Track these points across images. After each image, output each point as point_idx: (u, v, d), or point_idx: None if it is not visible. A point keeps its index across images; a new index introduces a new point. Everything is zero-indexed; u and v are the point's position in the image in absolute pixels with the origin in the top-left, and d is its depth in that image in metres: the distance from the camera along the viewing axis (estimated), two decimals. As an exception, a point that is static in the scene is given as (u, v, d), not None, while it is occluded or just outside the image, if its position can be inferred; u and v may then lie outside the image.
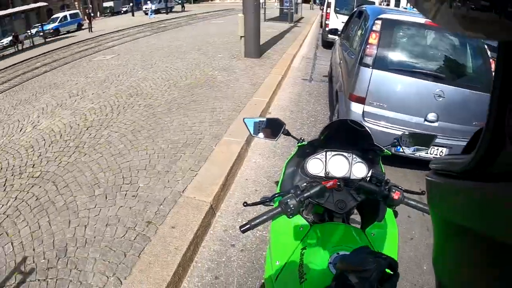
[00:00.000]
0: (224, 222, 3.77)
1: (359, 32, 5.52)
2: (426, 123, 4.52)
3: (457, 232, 0.52)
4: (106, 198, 3.96)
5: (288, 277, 1.51)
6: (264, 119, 2.09)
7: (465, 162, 0.47)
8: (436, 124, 4.54)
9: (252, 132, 2.06)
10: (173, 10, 46.04)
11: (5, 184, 4.60)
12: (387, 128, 4.58)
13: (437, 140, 4.47)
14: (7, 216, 3.92)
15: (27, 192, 4.31)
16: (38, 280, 3.06)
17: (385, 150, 1.90)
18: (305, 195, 1.52)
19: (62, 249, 3.31)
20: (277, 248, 1.71)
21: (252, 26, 10.28)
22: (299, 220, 1.70)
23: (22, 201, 4.15)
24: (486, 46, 4.78)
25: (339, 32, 7.74)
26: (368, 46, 4.54)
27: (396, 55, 4.62)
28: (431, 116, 4.50)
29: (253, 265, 3.23)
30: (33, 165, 4.93)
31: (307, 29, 18.77)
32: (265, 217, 1.48)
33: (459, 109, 4.53)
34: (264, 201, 1.69)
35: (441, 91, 4.38)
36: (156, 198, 3.87)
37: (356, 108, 4.62)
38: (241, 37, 10.55)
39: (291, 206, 1.47)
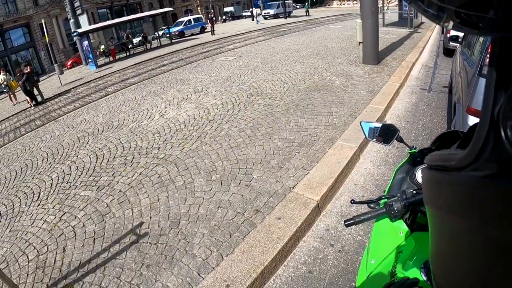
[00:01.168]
0: (327, 222, 3.87)
1: (480, 39, 5.20)
2: None
3: (453, 227, 0.53)
4: (221, 184, 4.35)
5: (380, 275, 1.54)
6: (380, 124, 2.11)
7: (461, 157, 0.47)
8: None
9: (367, 136, 2.11)
10: (291, 15, 46.55)
11: (132, 160, 5.34)
12: None
13: None
14: (131, 187, 4.56)
15: (151, 170, 4.93)
16: (150, 243, 3.54)
17: None
18: (411, 200, 1.52)
19: (176, 221, 3.76)
20: (375, 247, 1.74)
21: (370, 32, 10.12)
22: (401, 224, 1.69)
23: (146, 176, 4.77)
24: None
25: (460, 39, 7.34)
26: (489, 55, 4.32)
27: None
28: None
29: (347, 267, 3.26)
30: (159, 148, 5.59)
31: (428, 35, 17.81)
32: (369, 215, 1.55)
33: None
34: (370, 201, 1.76)
35: None
36: (267, 190, 4.13)
37: (473, 122, 4.35)
38: (359, 43, 10.44)
39: (395, 209, 1.51)
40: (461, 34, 7.63)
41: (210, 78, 10.29)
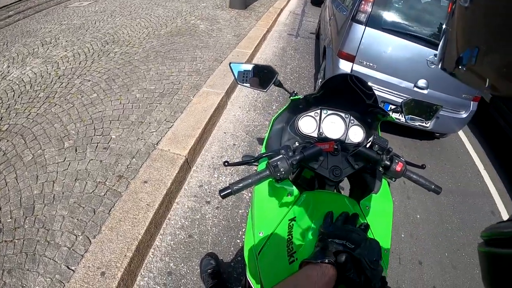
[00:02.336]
0: (199, 177, 3.65)
1: None
2: (415, 89, 4.45)
3: None
4: (76, 151, 3.69)
5: (275, 254, 1.30)
6: (252, 65, 1.79)
7: None
8: (425, 91, 4.47)
9: (238, 80, 1.78)
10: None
11: None
12: (375, 90, 4.41)
13: (431, 101, 4.41)
14: None
15: (-7, 148, 4.00)
16: (5, 241, 2.85)
17: (390, 115, 1.69)
18: (298, 157, 1.31)
19: (29, 207, 3.09)
20: (261, 216, 1.47)
21: (238, -26, 9.72)
22: (287, 185, 1.47)
23: None
24: None
25: None
26: (363, 2, 4.29)
27: (391, 15, 4.37)
28: (422, 82, 4.41)
29: (228, 223, 3.18)
30: (1, 118, 4.58)
31: (298, -16, 18.26)
32: (250, 180, 1.25)
33: (450, 79, 4.41)
34: (248, 161, 1.47)
35: (435, 57, 4.24)
36: (128, 151, 3.63)
37: (344, 66, 4.45)
38: (227, -14, 10.03)
39: (281, 169, 1.25)
40: None
41: (61, 27, 8.99)
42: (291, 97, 1.78)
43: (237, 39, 7.22)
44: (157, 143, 3.72)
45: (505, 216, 4.67)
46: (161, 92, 4.76)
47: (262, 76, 1.78)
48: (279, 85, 1.80)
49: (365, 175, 1.67)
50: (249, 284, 1.44)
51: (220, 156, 3.99)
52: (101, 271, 2.52)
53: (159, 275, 2.80)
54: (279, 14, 10.19)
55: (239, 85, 1.82)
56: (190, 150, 3.66)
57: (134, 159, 3.51)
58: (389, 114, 1.69)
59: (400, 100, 4.19)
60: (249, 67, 1.78)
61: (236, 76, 1.77)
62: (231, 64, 1.78)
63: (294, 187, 1.47)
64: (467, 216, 4.43)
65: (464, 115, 4.82)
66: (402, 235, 3.71)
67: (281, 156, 1.28)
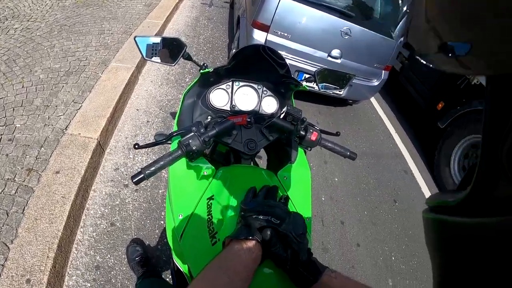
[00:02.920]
0: (114, 160, 3.49)
1: None
2: (329, 58, 4.57)
3: (457, 268, 0.48)
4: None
5: (196, 236, 1.25)
6: (160, 38, 1.69)
7: (462, 197, 0.46)
8: (339, 61, 4.60)
9: (144, 55, 1.68)
10: None
11: None
12: (290, 59, 4.53)
13: (344, 71, 4.56)
14: None
15: None
16: None
17: (302, 85, 1.68)
18: (210, 134, 1.27)
19: None
20: (179, 198, 1.40)
21: None
22: (202, 162, 1.43)
23: None
24: None
25: None
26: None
27: None
28: (335, 52, 4.53)
29: (150, 205, 3.11)
30: None
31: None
32: (162, 162, 1.19)
33: (363, 49, 4.67)
34: (159, 142, 1.40)
35: (349, 29, 4.41)
36: (35, 140, 3.31)
37: (258, 36, 4.43)
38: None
39: (194, 148, 1.23)
40: None
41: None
42: (201, 71, 1.70)
43: (148, 9, 6.88)
44: (66, 128, 3.45)
45: (416, 175, 5.11)
46: (67, 70, 4.40)
47: (170, 50, 1.69)
48: (188, 58, 1.73)
49: (281, 145, 1.67)
50: (177, 266, 1.40)
51: (134, 135, 3.83)
52: (26, 278, 2.33)
53: (87, 271, 2.65)
54: (194, -17, 9.85)
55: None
56: (102, 132, 3.44)
57: (42, 148, 3.23)
58: (301, 84, 1.69)
59: (314, 69, 4.29)
60: (156, 40, 1.68)
61: (142, 51, 1.67)
62: (136, 38, 1.66)
63: (209, 164, 1.43)
64: (381, 176, 4.73)
65: (376, 83, 5.06)
66: (323, 198, 3.86)
67: (192, 133, 1.25)
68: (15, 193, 2.82)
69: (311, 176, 1.59)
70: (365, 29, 4.55)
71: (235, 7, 6.67)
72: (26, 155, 3.15)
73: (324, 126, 5.04)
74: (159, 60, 1.70)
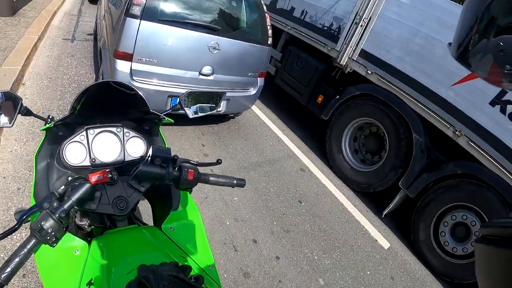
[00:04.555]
0: None
1: None
2: (201, 77, 4.52)
3: None
4: None
5: None
6: None
7: None
8: (211, 77, 4.57)
9: None
10: None
11: None
12: (160, 86, 4.35)
13: (213, 90, 4.49)
14: None
15: None
16: None
17: (166, 118, 1.52)
18: (66, 206, 1.04)
19: None
20: None
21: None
22: (70, 240, 1.18)
23: None
24: (262, 1, 4.98)
25: None
26: None
27: (168, 6, 4.26)
28: (206, 69, 4.48)
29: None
30: None
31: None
32: (17, 259, 0.95)
33: (234, 61, 4.68)
34: (11, 230, 1.07)
35: (216, 43, 4.38)
36: None
37: (123, 67, 4.15)
38: (-13, -11, 8.66)
39: (49, 230, 0.99)
40: None
41: None
42: (44, 127, 1.43)
43: (3, 54, 6.20)
44: None
45: (314, 170, 5.23)
46: None
47: (6, 107, 1.37)
48: (28, 113, 1.41)
49: (161, 191, 1.49)
50: None
51: (6, 208, 3.21)
52: None
53: None
54: (52, 18, 9.27)
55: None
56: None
57: None
58: (164, 118, 1.53)
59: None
60: None
61: None
62: None
63: (78, 240, 1.19)
64: (280, 181, 4.74)
65: (253, 91, 5.12)
66: (227, 223, 3.74)
67: (44, 212, 1.01)
68: None
69: (201, 216, 1.45)
70: (234, 40, 4.55)
71: (98, 38, 6.35)
72: None
73: (210, 146, 4.92)
74: None
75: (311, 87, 5.91)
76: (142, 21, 4.02)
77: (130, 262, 1.08)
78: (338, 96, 5.41)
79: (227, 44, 4.50)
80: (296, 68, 6.24)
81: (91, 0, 12.57)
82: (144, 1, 4.02)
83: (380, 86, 4.81)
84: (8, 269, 0.92)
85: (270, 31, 4.98)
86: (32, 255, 1.03)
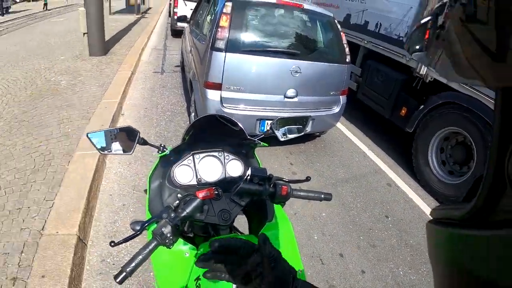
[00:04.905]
0: (98, 252, 3.33)
1: (208, 17, 5.42)
2: (286, 99, 4.70)
3: (461, 279, 0.48)
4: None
5: None
6: (113, 129, 1.71)
7: (466, 210, 0.46)
8: (296, 99, 4.72)
9: (100, 149, 1.68)
10: (9, 11, 41.24)
11: None
12: (248, 110, 4.63)
13: (300, 114, 4.65)
14: None
15: None
16: None
17: (261, 143, 1.74)
18: (181, 216, 1.29)
19: None
20: (166, 285, 1.44)
21: (95, 20, 9.41)
22: (181, 245, 1.46)
23: None
24: (336, 20, 5.08)
25: (188, 19, 7.53)
26: (219, 29, 4.43)
27: (249, 36, 4.59)
28: (290, 92, 4.65)
29: None
30: None
31: (155, 19, 18.39)
32: (140, 257, 1.19)
33: (316, 82, 4.81)
34: (134, 235, 1.36)
35: (297, 67, 4.56)
36: (14, 246, 3.19)
37: (213, 96, 4.52)
38: (84, 34, 9.64)
39: (168, 235, 1.22)
40: (188, 14, 7.89)
41: None
42: (159, 154, 1.72)
43: (102, 89, 6.95)
44: (42, 229, 3.34)
45: (400, 184, 5.16)
46: (33, 168, 4.35)
47: (124, 139, 1.70)
48: (144, 143, 1.71)
49: (257, 205, 1.68)
50: None
51: (113, 221, 3.73)
52: None
53: None
54: (141, 53, 10.13)
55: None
56: (80, 226, 3.34)
57: (23, 254, 3.11)
58: (259, 142, 1.74)
59: (275, 114, 4.42)
60: (108, 132, 1.70)
61: (97, 146, 1.67)
62: (88, 135, 1.67)
63: (189, 245, 1.46)
64: (367, 197, 4.76)
65: (336, 109, 5.20)
66: (315, 237, 3.84)
67: (164, 220, 1.25)
68: (4, 305, 2.72)
69: (292, 227, 1.63)
70: (313, 62, 4.74)
71: (186, 69, 6.80)
72: (8, 263, 3.03)
73: (298, 165, 5.09)
74: (115, 152, 1.71)
75: (393, 99, 5.86)
76: (227, 53, 4.37)
77: None
78: (421, 107, 5.30)
79: (307, 66, 4.68)
80: (376, 81, 6.24)
81: (174, 33, 13.31)
82: (227, 35, 4.39)
83: (462, 92, 4.64)
84: (133, 264, 1.16)
85: (347, 49, 5.08)
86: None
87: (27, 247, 3.17)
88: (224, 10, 4.46)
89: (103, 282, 3.06)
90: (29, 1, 42.63)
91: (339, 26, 5.12)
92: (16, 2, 45.18)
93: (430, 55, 0.44)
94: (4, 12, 37.82)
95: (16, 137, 5.23)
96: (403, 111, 5.67)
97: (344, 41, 5.08)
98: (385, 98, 6.04)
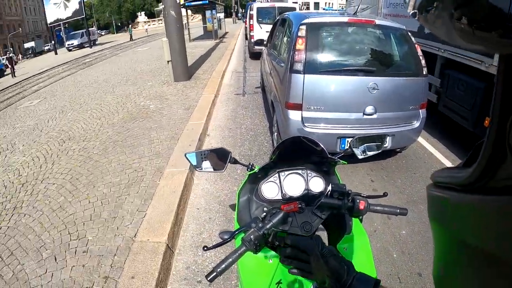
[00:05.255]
0: (184, 259, 3.57)
1: (285, 39, 5.58)
2: (365, 117, 4.65)
3: (460, 246, 0.50)
4: (55, 260, 3.60)
5: None
6: (208, 150, 1.95)
7: (466, 176, 0.47)
8: (375, 116, 4.66)
9: (196, 166, 1.93)
10: (96, 43, 44.94)
11: None
12: (329, 129, 4.65)
13: (380, 131, 4.64)
14: None
15: (-31, 274, 3.87)
16: None
17: (340, 161, 1.84)
18: (268, 226, 1.39)
19: None
20: (250, 287, 1.60)
21: (178, 48, 10.15)
22: (267, 252, 1.61)
23: None
24: (409, 33, 5.00)
25: (265, 42, 7.78)
26: (296, 52, 4.55)
27: (325, 57, 4.67)
28: (369, 109, 4.61)
29: None
30: None
31: (233, 43, 19.02)
32: (230, 259, 1.32)
33: (394, 97, 4.71)
34: (225, 242, 1.53)
35: (375, 83, 4.52)
36: (108, 250, 3.58)
37: (294, 116, 4.63)
38: (168, 61, 10.39)
39: (256, 242, 1.34)
40: (265, 37, 8.14)
41: (15, 131, 8.92)
42: (249, 172, 1.90)
43: (188, 112, 7.39)
44: (134, 236, 3.69)
45: None
46: (127, 182, 4.78)
47: (217, 158, 1.91)
48: (235, 162, 1.90)
49: (336, 219, 1.77)
50: None
51: (199, 233, 3.97)
52: None
53: None
54: (222, 77, 10.57)
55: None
56: (169, 235, 3.64)
57: (116, 256, 3.47)
58: (339, 161, 1.84)
59: (355, 132, 4.50)
60: (203, 153, 1.92)
61: (193, 163, 1.91)
62: (186, 155, 1.91)
63: (272, 252, 1.57)
64: None
65: (416, 124, 5.03)
66: (394, 255, 3.76)
67: (252, 229, 1.37)
68: (95, 299, 3.01)
69: (369, 241, 1.72)
70: (390, 77, 4.68)
71: (266, 90, 6.96)
72: (101, 264, 3.40)
73: (378, 181, 5.04)
74: (209, 169, 1.94)
75: (476, 110, 5.50)
76: (305, 75, 4.49)
77: None
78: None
79: (385, 82, 4.64)
80: (457, 91, 5.92)
81: (252, 55, 13.71)
82: (304, 57, 4.51)
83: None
84: (223, 266, 1.28)
85: (423, 61, 4.89)
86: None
87: (119, 251, 3.53)
88: (299, 34, 4.60)
89: (187, 287, 3.27)
90: (114, 33, 45.93)
91: (413, 39, 4.99)
92: (102, 35, 49.06)
93: (432, 18, 0.42)
94: (92, 44, 41.44)
95: (111, 155, 5.78)
96: (486, 121, 5.23)
97: (420, 53, 4.92)
98: (467, 109, 5.68)
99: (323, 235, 1.97)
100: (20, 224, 4.38)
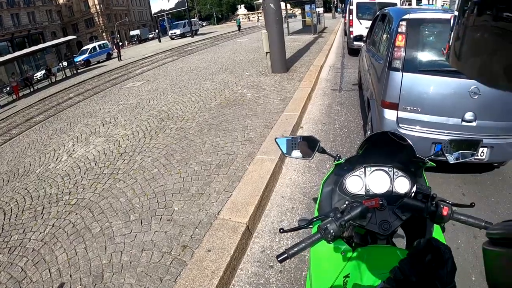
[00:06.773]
0: (261, 243, 3.66)
1: (384, 36, 5.38)
2: (464, 123, 4.30)
3: None
4: (141, 223, 3.95)
5: None
6: (297, 137, 1.97)
7: None
8: (474, 123, 4.31)
9: (285, 152, 1.97)
10: (198, 33, 46.84)
11: (42, 212, 4.72)
12: (424, 132, 4.41)
13: (474, 137, 4.32)
14: (45, 243, 3.99)
15: (64, 220, 4.38)
16: None
17: (429, 162, 1.77)
18: (346, 218, 1.38)
19: (99, 275, 3.30)
20: (318, 275, 1.60)
21: (277, 41, 10.31)
22: (340, 244, 1.61)
23: (59, 228, 4.23)
24: None
25: (364, 38, 7.62)
26: (395, 49, 4.40)
27: (425, 55, 4.43)
28: (469, 115, 4.29)
29: (292, 286, 3.12)
30: (69, 193, 5.03)
31: (332, 39, 18.76)
32: (303, 244, 1.34)
33: (497, 105, 4.30)
34: (302, 227, 1.54)
35: (476, 87, 4.17)
36: (191, 222, 3.81)
37: (390, 115, 4.47)
38: (266, 53, 10.62)
39: (331, 231, 1.33)
40: (364, 33, 7.97)
41: (118, 107, 9.78)
42: (335, 162, 1.91)
43: (283, 103, 7.49)
44: (218, 213, 3.87)
45: None
46: (218, 163, 5.00)
47: (306, 146, 1.95)
48: (323, 151, 1.93)
49: (415, 222, 1.73)
50: None
51: (280, 220, 4.00)
52: None
53: None
54: (320, 71, 10.51)
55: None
56: (250, 218, 3.75)
57: (197, 229, 3.67)
58: (428, 162, 1.78)
59: (451, 138, 4.18)
60: (293, 139, 1.97)
61: (283, 149, 1.97)
62: (276, 140, 1.98)
63: (346, 245, 1.59)
64: None
65: None
66: (473, 278, 3.48)
67: (330, 218, 1.37)
68: (170, 264, 3.25)
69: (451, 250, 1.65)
70: None
71: (363, 88, 6.77)
72: (182, 234, 3.64)
73: (470, 196, 4.67)
74: (297, 156, 1.98)
75: None
76: (404, 73, 4.31)
77: (382, 274, 1.34)
78: None
79: (488, 87, 4.26)
80: None
81: (351, 51, 13.46)
82: (403, 55, 4.33)
83: None
84: (295, 249, 1.31)
85: None
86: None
87: (201, 225, 3.74)
88: (399, 30, 4.42)
89: (258, 269, 3.33)
90: (214, 24, 47.40)
91: None
92: (203, 26, 50.99)
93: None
94: (194, 34, 43.28)
95: (205, 137, 6.09)
96: None
97: None
98: None
99: (402, 242, 1.94)
100: (114, 188, 4.86)
